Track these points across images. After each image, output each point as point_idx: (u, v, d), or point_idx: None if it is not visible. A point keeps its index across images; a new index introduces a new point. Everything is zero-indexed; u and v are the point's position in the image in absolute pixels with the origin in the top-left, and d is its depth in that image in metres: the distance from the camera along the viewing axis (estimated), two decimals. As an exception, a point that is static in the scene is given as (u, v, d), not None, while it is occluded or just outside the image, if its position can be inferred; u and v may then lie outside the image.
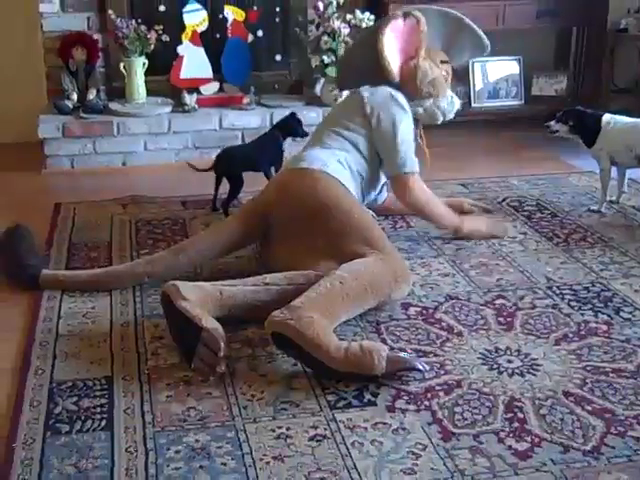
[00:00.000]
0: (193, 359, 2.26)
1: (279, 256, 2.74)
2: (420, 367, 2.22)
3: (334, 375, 2.21)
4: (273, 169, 3.43)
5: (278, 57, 4.60)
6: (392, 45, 3.15)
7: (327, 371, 2.21)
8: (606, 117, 3.39)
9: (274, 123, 3.77)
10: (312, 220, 2.68)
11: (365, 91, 3.13)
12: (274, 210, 2.78)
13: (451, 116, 3.28)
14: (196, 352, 2.25)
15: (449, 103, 3.23)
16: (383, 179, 3.21)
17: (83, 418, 2.05)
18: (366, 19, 4.32)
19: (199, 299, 2.36)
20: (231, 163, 3.39)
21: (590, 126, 3.39)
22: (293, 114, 3.59)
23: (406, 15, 3.16)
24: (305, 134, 3.50)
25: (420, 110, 3.19)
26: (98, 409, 2.09)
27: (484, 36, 3.30)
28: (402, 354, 2.32)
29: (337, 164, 2.91)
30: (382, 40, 3.11)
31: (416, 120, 3.20)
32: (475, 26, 3.28)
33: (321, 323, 2.25)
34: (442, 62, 3.26)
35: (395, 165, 3.05)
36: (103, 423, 2.03)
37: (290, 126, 3.54)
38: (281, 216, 2.77)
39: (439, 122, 3.26)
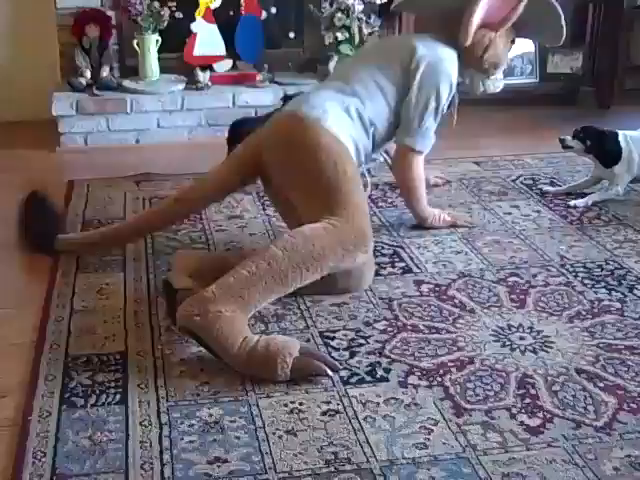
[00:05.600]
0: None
1: (275, 199, 2.78)
2: (329, 373, 2.12)
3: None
4: None
5: (291, 34, 4.58)
6: (485, 8, 2.93)
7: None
8: (621, 137, 3.30)
9: (287, 96, 3.76)
10: (290, 173, 2.58)
11: (420, 43, 2.91)
12: (264, 152, 2.65)
13: (487, 93, 3.15)
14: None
15: (495, 83, 3.12)
16: None
17: (98, 392, 2.07)
18: (380, -5, 4.29)
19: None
20: (245, 133, 3.38)
21: (609, 148, 3.29)
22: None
23: None
24: None
25: (467, 80, 3.06)
26: (113, 383, 2.11)
27: (565, 27, 3.08)
28: (315, 353, 2.20)
29: (341, 113, 2.71)
30: (482, 0, 2.88)
31: (457, 84, 3.03)
32: (562, 14, 3.05)
33: (229, 319, 2.15)
34: (512, 42, 3.09)
35: (410, 136, 2.90)
36: (118, 397, 2.05)
37: None
38: (270, 160, 2.64)
39: (476, 94, 3.14)
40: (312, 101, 2.73)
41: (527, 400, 2.04)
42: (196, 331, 2.18)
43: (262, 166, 2.66)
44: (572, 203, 3.29)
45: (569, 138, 3.35)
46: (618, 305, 2.51)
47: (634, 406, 2.01)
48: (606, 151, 3.31)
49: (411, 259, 2.82)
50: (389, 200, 3.37)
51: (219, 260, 2.60)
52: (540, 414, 1.98)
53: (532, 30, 3.12)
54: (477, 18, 2.90)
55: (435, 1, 3.04)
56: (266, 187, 2.80)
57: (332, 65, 4.34)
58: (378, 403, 2.03)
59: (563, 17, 3.05)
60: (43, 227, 2.86)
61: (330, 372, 2.13)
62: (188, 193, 2.79)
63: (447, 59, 2.92)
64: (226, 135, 3.53)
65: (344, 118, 2.72)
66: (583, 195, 3.35)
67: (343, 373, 2.16)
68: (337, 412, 2.00)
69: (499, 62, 3.05)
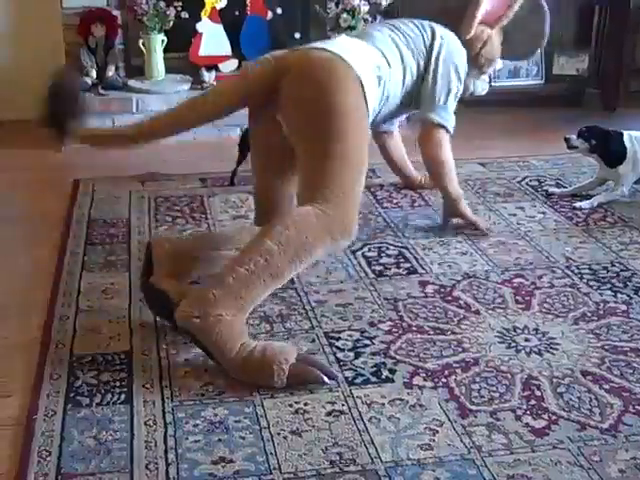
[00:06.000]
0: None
1: (266, 137, 2.59)
2: (326, 381, 2.10)
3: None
4: None
5: (297, 35, 4.58)
6: (488, 3, 2.96)
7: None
8: (626, 137, 3.31)
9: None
10: (304, 119, 2.43)
11: (437, 27, 2.92)
12: (283, 80, 2.46)
13: (474, 95, 3.18)
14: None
15: (483, 85, 3.16)
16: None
17: (103, 391, 2.07)
18: (386, -4, 4.30)
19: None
20: None
21: (614, 148, 3.29)
22: None
23: None
24: None
25: None
26: (118, 383, 2.11)
27: (547, 33, 3.13)
28: (312, 360, 2.17)
29: (372, 73, 2.60)
30: None
31: None
32: (549, 20, 3.10)
33: (228, 323, 2.12)
34: (502, 43, 3.10)
35: (436, 114, 2.89)
36: (123, 397, 2.05)
37: None
38: (288, 93, 2.46)
39: (464, 95, 3.10)
40: (347, 46, 2.62)
41: (532, 402, 2.03)
42: (195, 333, 2.15)
43: (275, 93, 2.47)
44: (577, 205, 3.29)
45: (574, 137, 3.34)
46: (624, 307, 2.50)
47: (640, 408, 2.02)
48: (611, 151, 3.30)
49: (416, 260, 2.82)
50: (394, 201, 3.36)
51: (196, 246, 2.57)
52: (545, 416, 1.98)
53: (517, 33, 3.11)
54: (481, 12, 2.95)
55: None
56: (259, 120, 2.60)
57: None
58: (383, 404, 2.03)
59: (548, 24, 3.11)
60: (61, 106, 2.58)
61: (327, 380, 2.10)
62: (197, 105, 2.60)
63: (460, 46, 2.97)
64: (238, 140, 3.47)
65: (373, 79, 2.62)
66: (588, 197, 3.35)
67: (348, 374, 2.16)
68: (342, 413, 2.00)
69: (493, 59, 3.10)
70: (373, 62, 2.64)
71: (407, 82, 2.82)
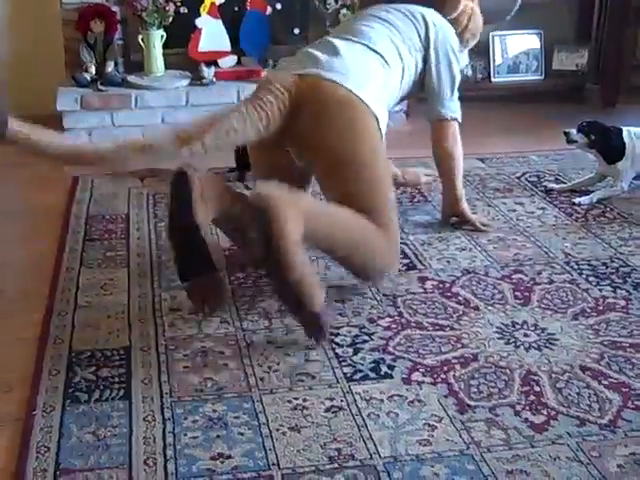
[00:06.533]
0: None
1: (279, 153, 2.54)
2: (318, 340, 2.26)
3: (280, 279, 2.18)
4: None
5: (296, 30, 4.57)
6: None
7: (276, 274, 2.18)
8: (625, 133, 3.30)
9: None
10: (325, 144, 2.43)
11: (426, 13, 2.86)
12: (296, 119, 2.44)
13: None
14: None
15: (465, 59, 3.11)
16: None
17: (102, 387, 2.07)
18: (385, -8, 4.28)
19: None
20: None
21: (613, 144, 3.28)
22: None
23: None
24: None
25: None
26: (116, 379, 2.11)
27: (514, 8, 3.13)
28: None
29: (378, 90, 2.58)
30: None
31: None
32: None
33: (299, 231, 2.17)
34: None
35: (446, 108, 2.88)
36: (121, 392, 2.05)
37: None
38: (302, 135, 2.46)
39: None
40: (346, 64, 2.55)
41: (531, 397, 2.03)
42: (268, 209, 2.13)
43: (284, 123, 2.46)
44: (576, 200, 3.28)
45: (574, 132, 3.33)
46: (623, 303, 2.50)
47: (639, 403, 2.01)
48: (610, 147, 3.30)
49: (415, 256, 2.82)
50: (393, 197, 3.36)
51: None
52: (544, 411, 1.98)
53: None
54: None
55: None
56: (262, 144, 2.51)
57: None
58: (382, 400, 2.03)
59: None
60: None
61: (316, 340, 2.25)
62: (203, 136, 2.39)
63: (451, 28, 2.93)
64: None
65: (382, 93, 2.62)
66: (587, 192, 3.34)
67: (347, 370, 2.16)
68: (341, 409, 1.99)
69: (477, 32, 3.08)
70: (380, 81, 2.62)
71: (405, 80, 2.79)
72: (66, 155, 2.35)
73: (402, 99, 2.94)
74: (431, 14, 2.88)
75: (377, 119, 2.52)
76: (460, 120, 2.94)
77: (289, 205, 2.17)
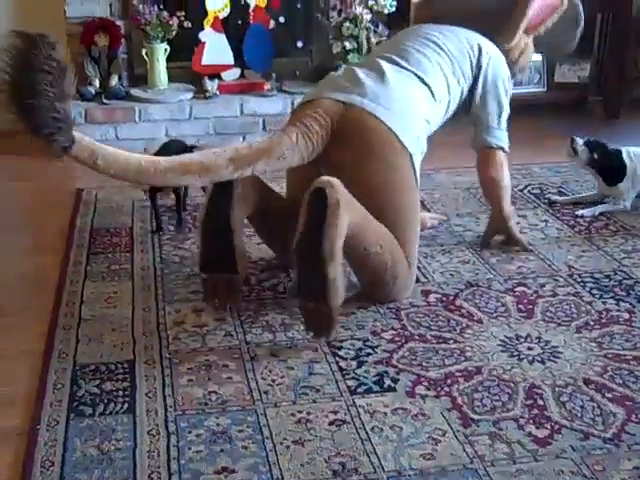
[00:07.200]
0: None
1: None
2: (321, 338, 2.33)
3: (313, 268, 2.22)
4: None
5: (300, 43, 4.60)
6: (534, 11, 2.90)
7: (315, 261, 2.21)
8: (624, 154, 3.28)
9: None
10: (354, 187, 2.37)
11: (483, 44, 2.84)
12: (334, 146, 2.49)
13: None
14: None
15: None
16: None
17: (106, 401, 2.07)
18: (388, 5, 4.31)
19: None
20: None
21: (613, 166, 3.27)
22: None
23: None
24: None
25: None
26: (120, 392, 2.11)
27: (578, 37, 3.15)
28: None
29: (420, 125, 2.60)
30: (532, 2, 2.87)
31: None
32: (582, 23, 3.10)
33: (346, 230, 2.25)
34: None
35: (493, 136, 2.86)
36: (125, 406, 2.05)
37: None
38: (337, 164, 2.47)
39: None
40: (389, 98, 2.55)
41: (535, 411, 2.03)
42: (327, 193, 2.20)
43: (330, 145, 2.49)
44: (579, 213, 3.29)
45: (580, 142, 3.30)
46: (626, 315, 2.50)
47: (642, 417, 2.01)
48: (610, 169, 3.29)
49: (418, 268, 2.81)
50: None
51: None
52: (548, 425, 1.98)
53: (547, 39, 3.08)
54: (526, 22, 2.91)
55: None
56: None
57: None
58: (385, 413, 2.03)
59: (582, 27, 3.10)
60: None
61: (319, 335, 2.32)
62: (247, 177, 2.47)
63: (503, 59, 2.91)
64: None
65: (423, 126, 2.63)
66: (590, 205, 3.34)
67: (351, 383, 2.16)
68: (344, 422, 2.00)
69: (526, 67, 3.11)
70: (423, 114, 2.62)
71: (450, 110, 2.79)
72: (131, 174, 2.29)
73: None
74: (487, 44, 2.86)
75: (411, 156, 2.54)
76: (507, 149, 2.91)
77: (347, 201, 2.26)
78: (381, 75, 2.61)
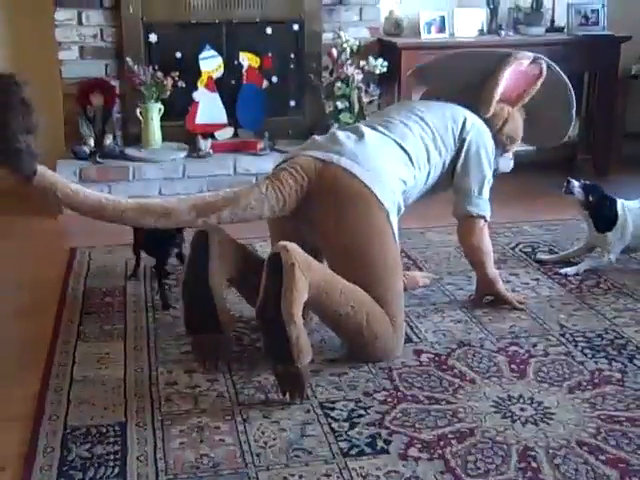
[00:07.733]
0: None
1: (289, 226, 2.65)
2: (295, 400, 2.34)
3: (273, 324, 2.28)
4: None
5: (292, 102, 4.67)
6: (507, 81, 2.98)
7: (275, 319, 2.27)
8: (619, 205, 3.31)
9: None
10: (330, 243, 2.55)
11: (468, 116, 2.92)
12: (313, 204, 2.57)
13: (498, 172, 3.11)
14: None
15: (507, 161, 3.15)
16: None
17: (96, 465, 2.06)
18: (379, 65, 4.38)
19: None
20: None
21: (608, 212, 3.30)
22: None
23: (535, 60, 3.03)
24: None
25: None
26: (111, 456, 2.10)
27: (573, 120, 3.20)
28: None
29: (395, 183, 2.66)
30: (505, 72, 2.95)
31: None
32: (574, 105, 3.16)
33: (306, 292, 2.30)
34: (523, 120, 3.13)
35: (474, 205, 2.89)
36: (116, 470, 2.04)
37: None
38: (316, 222, 2.58)
39: None
40: (369, 161, 2.62)
41: (529, 474, 2.02)
42: (285, 264, 2.26)
43: (306, 202, 2.57)
44: (563, 271, 3.30)
45: (576, 184, 3.31)
46: (619, 375, 2.50)
47: (636, 479, 2.00)
48: (603, 214, 3.31)
49: (411, 328, 2.82)
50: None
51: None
52: (542, 488, 1.97)
53: (535, 120, 3.13)
54: (500, 91, 2.97)
55: (455, 74, 3.11)
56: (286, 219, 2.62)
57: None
58: (378, 476, 2.02)
59: (574, 110, 3.15)
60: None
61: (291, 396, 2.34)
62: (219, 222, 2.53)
63: (486, 128, 2.97)
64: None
65: (398, 186, 2.68)
66: (576, 263, 3.36)
67: (343, 444, 2.15)
68: (337, 486, 1.98)
69: (516, 136, 3.11)
70: (398, 177, 2.68)
71: (430, 180, 2.85)
72: (87, 208, 2.43)
73: (429, 194, 2.94)
74: (472, 117, 2.93)
75: (387, 213, 2.59)
76: (488, 218, 2.93)
77: (304, 264, 2.31)
78: (360, 137, 2.71)
